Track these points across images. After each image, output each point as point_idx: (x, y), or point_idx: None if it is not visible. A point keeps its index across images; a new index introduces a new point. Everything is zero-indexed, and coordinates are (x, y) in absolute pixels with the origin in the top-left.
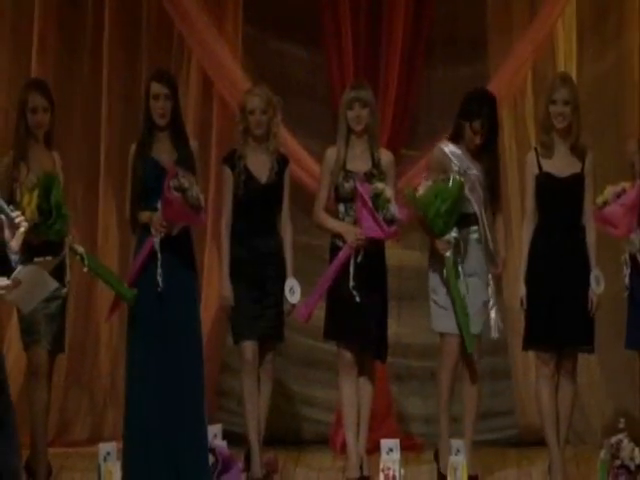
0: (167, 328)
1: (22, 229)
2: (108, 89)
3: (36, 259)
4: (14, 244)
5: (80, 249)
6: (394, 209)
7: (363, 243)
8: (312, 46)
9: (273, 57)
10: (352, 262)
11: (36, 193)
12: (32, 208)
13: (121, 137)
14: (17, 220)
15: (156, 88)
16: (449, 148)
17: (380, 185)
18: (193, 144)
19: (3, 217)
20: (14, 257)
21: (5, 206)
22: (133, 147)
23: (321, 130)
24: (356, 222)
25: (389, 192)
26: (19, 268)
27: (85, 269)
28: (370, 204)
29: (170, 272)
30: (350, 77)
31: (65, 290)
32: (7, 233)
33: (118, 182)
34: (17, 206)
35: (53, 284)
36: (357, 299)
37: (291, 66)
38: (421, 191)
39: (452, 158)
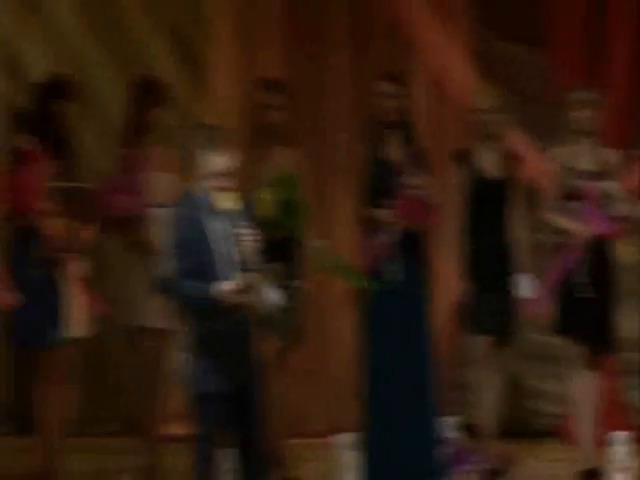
0: (402, 320)
1: None
2: (338, 88)
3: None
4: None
5: (317, 243)
6: (622, 207)
7: (591, 240)
8: (541, 47)
9: (503, 58)
10: (582, 258)
11: (274, 189)
12: (270, 202)
13: (353, 136)
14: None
15: (386, 87)
16: None
17: (608, 184)
18: (422, 145)
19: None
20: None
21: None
22: (363, 147)
23: (550, 130)
24: (584, 219)
25: (617, 190)
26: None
27: (324, 263)
28: (598, 202)
29: (404, 266)
30: (578, 78)
31: (301, 283)
32: None
33: (350, 181)
34: (256, 202)
35: (273, 297)
36: (586, 294)
37: (520, 67)
38: None
39: None
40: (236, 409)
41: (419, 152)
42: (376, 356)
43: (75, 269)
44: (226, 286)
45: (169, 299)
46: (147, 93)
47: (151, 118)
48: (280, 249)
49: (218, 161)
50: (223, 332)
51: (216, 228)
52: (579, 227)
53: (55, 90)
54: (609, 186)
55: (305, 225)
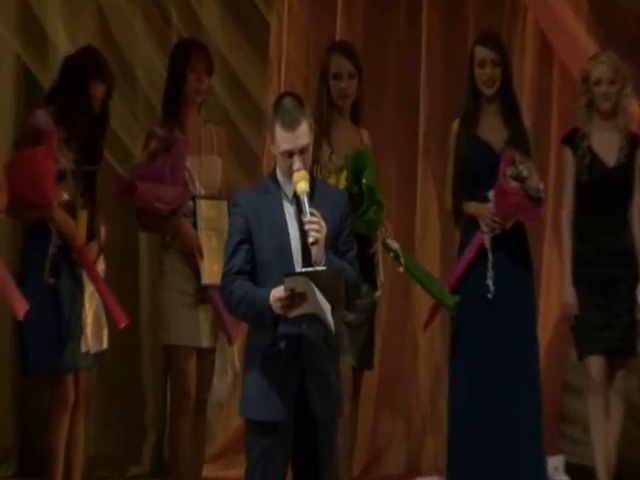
0: (498, 340)
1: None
2: (427, 55)
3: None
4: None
5: (395, 245)
6: None
7: None
8: None
9: (624, 18)
10: None
11: (344, 175)
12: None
13: (443, 111)
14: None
15: (482, 53)
16: None
17: None
18: (526, 122)
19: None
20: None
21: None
22: (456, 124)
23: None
24: None
25: None
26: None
27: (401, 269)
28: None
29: (502, 274)
30: None
31: (378, 294)
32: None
33: (439, 164)
34: None
35: (325, 307)
36: None
37: None
38: None
39: None
40: (295, 446)
41: (522, 132)
42: (469, 382)
43: (96, 273)
44: (276, 294)
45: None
46: (189, 57)
47: (195, 87)
48: None
49: (294, 137)
50: (281, 350)
51: (292, 215)
52: None
53: (88, 65)
54: None
55: (381, 219)
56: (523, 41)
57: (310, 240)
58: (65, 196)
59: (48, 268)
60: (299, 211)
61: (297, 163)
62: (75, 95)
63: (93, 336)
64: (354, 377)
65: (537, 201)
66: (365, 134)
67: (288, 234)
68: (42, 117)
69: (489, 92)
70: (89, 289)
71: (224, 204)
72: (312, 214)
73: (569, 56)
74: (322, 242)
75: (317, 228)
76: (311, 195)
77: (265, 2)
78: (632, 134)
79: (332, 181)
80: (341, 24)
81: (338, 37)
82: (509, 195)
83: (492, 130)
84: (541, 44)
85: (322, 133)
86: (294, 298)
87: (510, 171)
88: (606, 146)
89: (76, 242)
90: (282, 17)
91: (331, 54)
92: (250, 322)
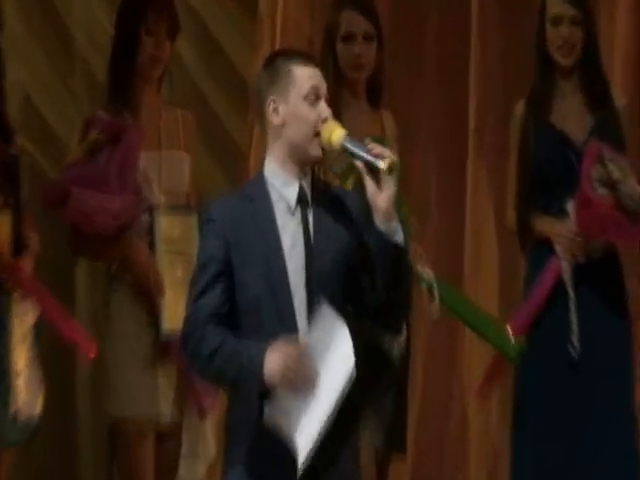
0: (580, 413)
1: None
2: (479, 10)
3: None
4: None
5: (427, 273)
6: None
7: None
8: None
9: None
10: None
11: (351, 181)
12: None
13: (502, 88)
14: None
15: (558, 6)
16: None
17: None
18: (620, 103)
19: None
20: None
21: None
22: (520, 107)
23: None
24: None
25: None
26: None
27: (435, 303)
28: None
29: (587, 320)
30: None
31: (402, 338)
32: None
33: (497, 164)
34: None
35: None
36: None
37: None
38: None
39: None
40: None
41: (612, 117)
42: (531, 465)
43: (39, 290)
44: (277, 356)
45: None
46: (144, 12)
47: (152, 55)
48: None
49: (319, 75)
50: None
51: (292, 232)
52: None
53: None
54: None
55: (408, 241)
56: None
57: (381, 164)
58: None
59: None
60: (304, 224)
61: (326, 109)
62: None
63: (26, 395)
64: (379, 464)
65: (635, 214)
66: (388, 119)
67: (284, 260)
68: None
69: (567, 61)
70: (22, 327)
71: (193, 219)
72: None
73: None
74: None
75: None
76: (318, 202)
77: None
78: None
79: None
80: None
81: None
82: (595, 205)
83: (571, 115)
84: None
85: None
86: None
87: (597, 172)
88: None
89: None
90: None
91: (340, 8)
92: (226, 383)
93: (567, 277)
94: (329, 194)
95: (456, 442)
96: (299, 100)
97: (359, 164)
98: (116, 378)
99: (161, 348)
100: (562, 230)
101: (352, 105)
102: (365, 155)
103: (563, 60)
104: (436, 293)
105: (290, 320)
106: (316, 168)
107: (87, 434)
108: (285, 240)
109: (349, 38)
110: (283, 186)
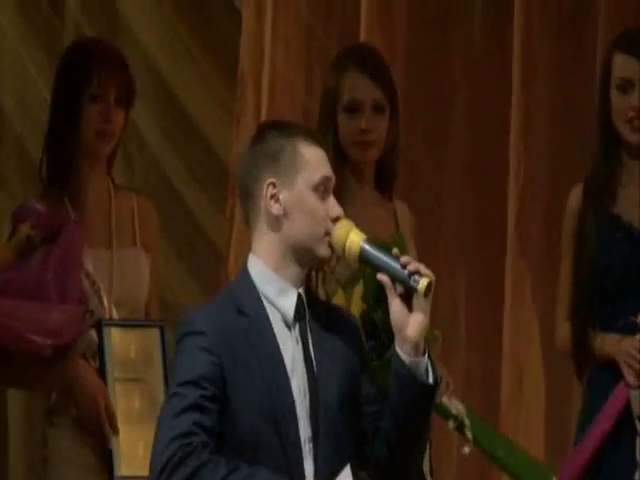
0: None
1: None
2: (520, 73)
3: None
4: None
5: (457, 406)
6: None
7: None
8: None
9: None
10: None
11: (358, 290)
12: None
13: (548, 171)
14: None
15: (627, 68)
16: None
17: None
18: None
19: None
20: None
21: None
22: (575, 194)
23: None
24: None
25: None
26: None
27: (467, 448)
28: None
29: None
30: None
31: None
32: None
33: (542, 267)
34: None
35: None
36: None
37: None
38: None
39: None
40: None
41: None
42: None
43: None
44: None
45: None
46: (88, 73)
47: (98, 128)
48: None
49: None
50: None
51: (292, 352)
52: None
53: None
54: None
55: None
56: None
57: (419, 285)
58: None
59: None
60: (303, 342)
61: (337, 208)
62: None
63: None
64: None
65: None
66: (403, 211)
67: (290, 388)
68: None
69: (634, 138)
70: None
71: (154, 334)
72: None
73: None
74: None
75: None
76: (317, 321)
77: None
78: None
79: (338, 300)
80: (367, 28)
81: (362, 38)
82: None
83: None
84: None
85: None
86: None
87: None
88: None
89: None
90: (264, 5)
91: (343, 69)
92: None
93: (638, 410)
94: (322, 307)
95: None
96: (308, 190)
97: (384, 278)
98: None
99: None
100: (631, 350)
101: (358, 194)
102: (397, 270)
103: (633, 136)
104: (469, 432)
105: (297, 458)
106: (314, 274)
107: None
108: (288, 360)
109: (354, 108)
110: (278, 294)
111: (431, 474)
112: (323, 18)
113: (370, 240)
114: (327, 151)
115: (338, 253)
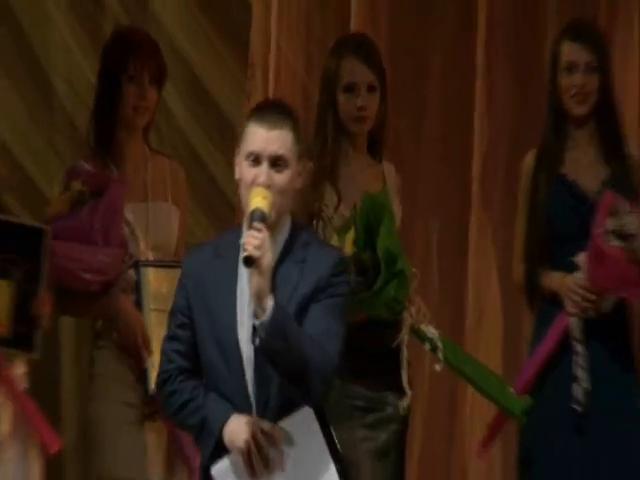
0: (588, 474)
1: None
2: (485, 56)
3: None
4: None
5: (431, 331)
6: None
7: None
8: None
9: None
10: None
11: (351, 235)
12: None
13: (509, 139)
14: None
15: (572, 52)
16: None
17: None
18: (635, 152)
19: None
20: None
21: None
22: (530, 158)
23: None
24: None
25: None
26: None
27: (438, 366)
28: None
29: (598, 373)
30: None
31: (405, 403)
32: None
33: (504, 219)
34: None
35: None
36: None
37: None
38: None
39: None
40: None
41: (628, 168)
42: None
43: (10, 380)
44: (240, 431)
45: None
46: (127, 57)
47: (135, 103)
48: (373, 338)
49: (267, 139)
50: None
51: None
52: None
53: None
54: None
55: (407, 296)
56: (630, 37)
57: (242, 254)
58: None
59: None
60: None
61: (263, 175)
62: None
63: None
64: None
65: None
66: (390, 171)
67: (235, 319)
68: None
69: (581, 110)
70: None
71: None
72: (258, 229)
73: None
74: (265, 269)
75: (258, 244)
76: (302, 260)
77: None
78: None
79: (334, 243)
80: (357, 16)
81: (353, 27)
82: (608, 258)
83: (584, 166)
84: None
85: (326, 173)
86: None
87: (611, 224)
88: None
89: None
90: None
91: (341, 56)
92: (189, 434)
93: (576, 334)
94: (308, 247)
95: None
96: (242, 159)
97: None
98: (103, 439)
99: (149, 408)
100: (572, 285)
101: (353, 160)
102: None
103: (577, 109)
104: (440, 354)
105: (240, 378)
106: (316, 223)
107: None
108: (241, 298)
109: (351, 89)
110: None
111: (410, 388)
112: (319, 7)
113: (259, 210)
114: (327, 124)
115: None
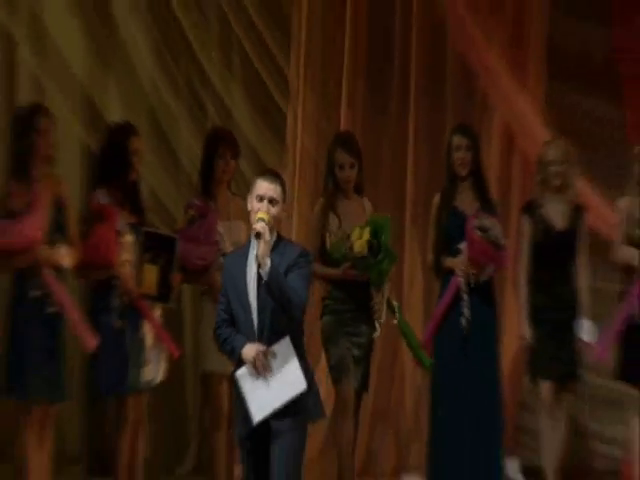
0: (469, 368)
1: (260, 226)
2: (414, 141)
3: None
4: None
5: (396, 303)
6: None
7: None
8: (612, 101)
9: (574, 111)
10: None
11: (367, 230)
12: (362, 242)
13: (426, 188)
14: (258, 226)
15: (457, 140)
16: None
17: None
18: (493, 196)
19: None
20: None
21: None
22: (437, 197)
23: (618, 181)
24: None
25: None
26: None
27: (395, 321)
28: None
29: (474, 312)
30: None
31: (376, 334)
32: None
33: (423, 232)
34: (348, 242)
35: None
36: None
37: (591, 120)
38: None
39: None
40: (257, 458)
41: (490, 203)
42: (445, 401)
43: (152, 316)
44: (248, 352)
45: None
46: (221, 144)
47: (223, 169)
48: (360, 292)
49: (268, 186)
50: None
51: (254, 272)
52: None
53: (128, 130)
54: None
55: (389, 273)
56: (490, 131)
57: (253, 233)
58: (126, 255)
59: (116, 314)
60: (258, 267)
61: (264, 207)
62: (116, 152)
63: (153, 369)
64: (356, 398)
65: (499, 247)
66: (367, 204)
67: (248, 295)
68: (102, 195)
69: (463, 172)
70: (149, 331)
71: None
72: (262, 219)
73: (527, 142)
74: (266, 241)
75: (262, 225)
76: (282, 252)
77: (284, 99)
78: (578, 205)
79: (356, 233)
80: (345, 118)
81: (342, 123)
82: (475, 242)
83: (466, 202)
84: (505, 132)
85: (330, 207)
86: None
87: (476, 223)
88: (556, 214)
89: (133, 293)
90: (297, 111)
91: (335, 147)
92: (227, 356)
93: (462, 289)
94: (284, 245)
95: (398, 386)
96: (253, 198)
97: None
98: (205, 347)
99: None
100: (459, 262)
101: (345, 200)
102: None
103: (461, 171)
104: (398, 317)
105: (250, 321)
106: (326, 235)
107: (192, 382)
108: (250, 278)
109: (341, 167)
110: (253, 245)
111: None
112: (325, 116)
113: (262, 219)
114: (329, 183)
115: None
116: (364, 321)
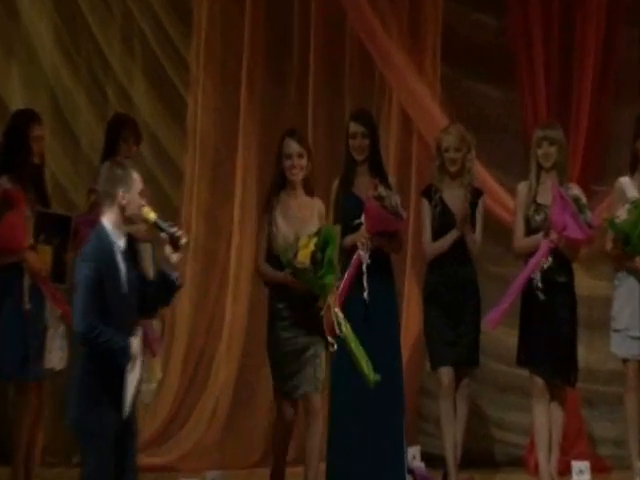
0: (370, 349)
1: (183, 242)
2: (314, 126)
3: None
4: (175, 258)
5: (340, 315)
6: (590, 215)
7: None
8: (506, 84)
9: (469, 95)
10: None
11: (314, 240)
12: (307, 252)
13: (328, 174)
14: (177, 234)
15: (353, 127)
16: (624, 179)
17: (577, 191)
18: (392, 179)
19: (163, 235)
20: (174, 274)
21: (163, 223)
22: (336, 182)
23: (514, 166)
24: (550, 225)
25: (584, 199)
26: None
27: (341, 334)
28: (573, 206)
29: (374, 284)
30: (543, 115)
31: (332, 349)
32: (167, 249)
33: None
34: (295, 248)
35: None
36: (541, 297)
37: (486, 104)
38: (624, 215)
39: (626, 188)
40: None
41: (386, 186)
42: (342, 380)
43: (59, 298)
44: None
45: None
46: (126, 128)
47: (125, 154)
48: (306, 304)
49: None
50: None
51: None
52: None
53: (30, 117)
54: (578, 193)
55: (333, 287)
56: (389, 115)
57: (184, 240)
58: (31, 239)
59: (27, 297)
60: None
61: (143, 200)
62: (17, 139)
63: (55, 356)
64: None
65: (396, 214)
66: (317, 201)
67: (120, 278)
68: (5, 182)
69: (360, 158)
70: (53, 315)
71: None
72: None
73: (425, 127)
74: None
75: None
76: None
77: (184, 85)
78: (474, 188)
79: (304, 241)
80: (244, 103)
81: (242, 109)
82: (372, 210)
83: (364, 187)
84: (403, 117)
85: (276, 204)
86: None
87: (373, 193)
88: (454, 198)
89: (41, 275)
90: (197, 97)
91: (283, 138)
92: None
93: (364, 262)
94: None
95: None
96: (134, 199)
97: (163, 235)
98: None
99: None
100: (359, 235)
101: (292, 195)
102: (170, 230)
103: (358, 157)
104: (343, 328)
105: (125, 312)
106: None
107: None
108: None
109: (289, 156)
110: (117, 237)
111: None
112: (224, 101)
113: (157, 215)
114: (278, 175)
115: (145, 221)
116: (315, 331)
